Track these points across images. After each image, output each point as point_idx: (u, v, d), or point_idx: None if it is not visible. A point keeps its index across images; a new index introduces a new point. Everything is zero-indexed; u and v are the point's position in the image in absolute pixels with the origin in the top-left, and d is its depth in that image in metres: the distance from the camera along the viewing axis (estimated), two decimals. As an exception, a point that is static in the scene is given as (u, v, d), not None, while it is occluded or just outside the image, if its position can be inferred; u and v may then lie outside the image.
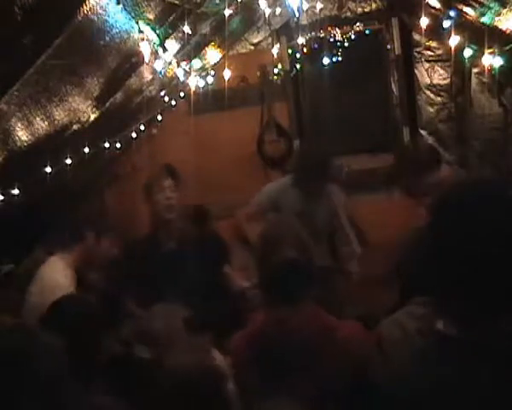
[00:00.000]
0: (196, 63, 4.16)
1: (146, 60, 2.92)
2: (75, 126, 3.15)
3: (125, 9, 2.46)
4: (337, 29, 5.55)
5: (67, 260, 2.92)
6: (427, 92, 5.47)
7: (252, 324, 2.04)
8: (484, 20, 3.72)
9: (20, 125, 2.55)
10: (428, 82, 5.45)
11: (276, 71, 5.35)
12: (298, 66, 5.62)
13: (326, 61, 5.47)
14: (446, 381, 1.17)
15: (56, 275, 2.84)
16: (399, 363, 1.40)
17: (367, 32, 5.63)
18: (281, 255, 1.93)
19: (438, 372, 1.19)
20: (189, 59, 3.86)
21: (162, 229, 3.12)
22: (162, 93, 4.33)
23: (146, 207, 3.23)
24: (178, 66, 3.56)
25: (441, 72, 5.41)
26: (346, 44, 5.75)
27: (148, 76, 3.57)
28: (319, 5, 4.36)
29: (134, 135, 4.15)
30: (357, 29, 5.56)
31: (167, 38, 3.16)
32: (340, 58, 5.90)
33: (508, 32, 3.59)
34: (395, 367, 1.39)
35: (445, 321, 1.22)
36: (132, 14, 2.58)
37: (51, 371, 1.36)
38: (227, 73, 3.32)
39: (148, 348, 1.69)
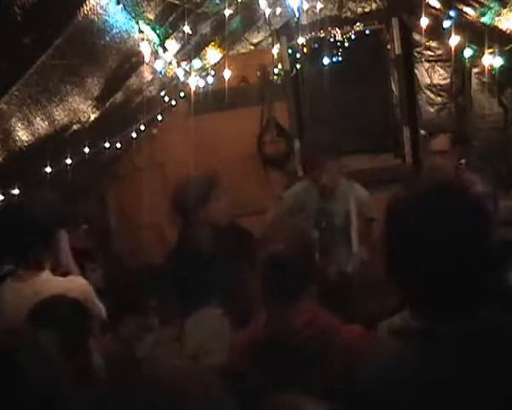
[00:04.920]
0: (196, 63, 4.16)
1: (146, 60, 2.93)
2: (75, 126, 3.15)
3: (125, 9, 2.46)
4: (337, 29, 5.54)
5: None
6: (427, 92, 5.46)
7: (256, 322, 2.04)
8: (484, 20, 3.72)
9: (20, 125, 2.55)
10: (428, 82, 5.44)
11: (276, 71, 5.35)
12: (298, 66, 5.61)
13: (326, 61, 5.48)
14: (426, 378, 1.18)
15: None
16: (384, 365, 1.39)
17: (367, 32, 5.62)
18: (268, 251, 1.93)
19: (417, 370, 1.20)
20: (189, 59, 3.86)
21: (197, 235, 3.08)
22: (162, 93, 4.33)
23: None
24: (178, 66, 3.56)
25: (441, 72, 5.40)
26: (346, 44, 5.74)
27: (148, 76, 3.57)
28: (319, 5, 4.35)
29: (134, 135, 4.15)
30: (357, 29, 5.55)
31: (167, 38, 3.17)
32: (340, 58, 5.90)
33: (508, 32, 3.59)
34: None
35: (414, 315, 1.25)
36: (132, 14, 2.58)
37: (42, 378, 1.20)
38: (227, 73, 3.32)
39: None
